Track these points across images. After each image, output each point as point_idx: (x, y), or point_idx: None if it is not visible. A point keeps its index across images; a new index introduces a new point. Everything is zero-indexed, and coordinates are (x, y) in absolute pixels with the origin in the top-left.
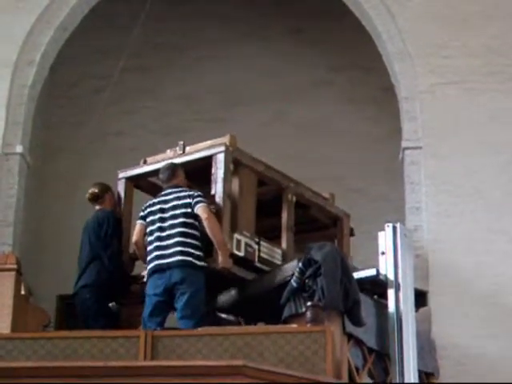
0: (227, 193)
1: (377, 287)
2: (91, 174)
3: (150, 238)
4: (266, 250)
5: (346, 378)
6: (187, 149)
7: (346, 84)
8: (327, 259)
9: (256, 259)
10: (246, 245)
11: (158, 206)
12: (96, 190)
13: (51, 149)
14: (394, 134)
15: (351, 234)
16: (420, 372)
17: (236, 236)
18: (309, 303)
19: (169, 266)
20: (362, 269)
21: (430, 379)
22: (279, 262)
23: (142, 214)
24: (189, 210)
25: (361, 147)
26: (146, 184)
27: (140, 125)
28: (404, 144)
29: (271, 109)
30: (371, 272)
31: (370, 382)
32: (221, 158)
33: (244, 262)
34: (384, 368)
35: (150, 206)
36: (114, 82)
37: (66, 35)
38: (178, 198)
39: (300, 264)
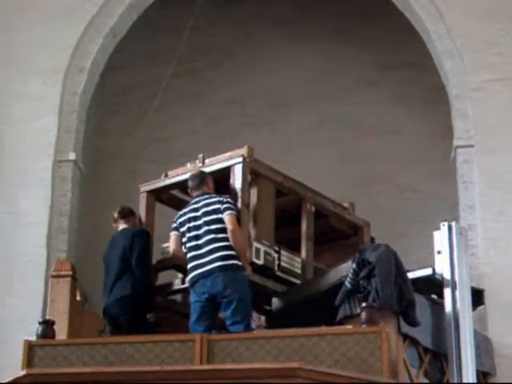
0: (245, 203)
1: (433, 286)
2: (143, 179)
3: (188, 246)
4: (286, 258)
5: (402, 379)
6: (206, 161)
7: (396, 83)
8: (381, 260)
9: (276, 267)
10: (266, 253)
11: (189, 215)
12: (124, 209)
13: (103, 155)
14: (446, 132)
15: (372, 242)
16: (477, 371)
17: (255, 244)
18: (363, 304)
19: (210, 273)
20: (418, 268)
21: (488, 379)
22: (299, 271)
23: (174, 225)
24: (220, 216)
25: (413, 146)
26: (167, 197)
27: (190, 130)
28: (456, 142)
29: (321, 109)
30: (427, 271)
31: (427, 382)
32: (238, 168)
33: (264, 271)
34: (440, 368)
35: (181, 216)
36: (165, 88)
37: (116, 42)
38: (208, 205)
39: (354, 265)
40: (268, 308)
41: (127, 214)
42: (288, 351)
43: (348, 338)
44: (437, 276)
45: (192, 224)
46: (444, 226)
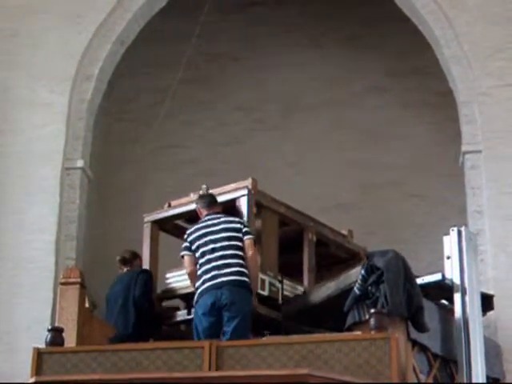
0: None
1: (443, 292)
2: (152, 186)
3: (201, 261)
4: (288, 288)
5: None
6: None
7: (404, 89)
8: (390, 266)
9: (280, 298)
10: (270, 284)
11: (205, 230)
12: (126, 255)
13: (112, 162)
14: (454, 138)
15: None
16: (487, 377)
17: (260, 276)
18: (372, 310)
19: (222, 285)
20: (427, 274)
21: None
22: None
23: (186, 244)
24: (240, 235)
25: (421, 152)
26: (171, 227)
27: (199, 136)
28: (464, 148)
29: (330, 116)
30: (437, 277)
31: None
32: (244, 201)
33: (268, 301)
34: (449, 374)
35: (195, 231)
36: (172, 95)
37: (123, 49)
38: (227, 222)
39: (362, 271)
40: (266, 332)
41: (129, 260)
42: (297, 357)
43: (357, 345)
44: (447, 281)
45: (209, 238)
46: (453, 231)
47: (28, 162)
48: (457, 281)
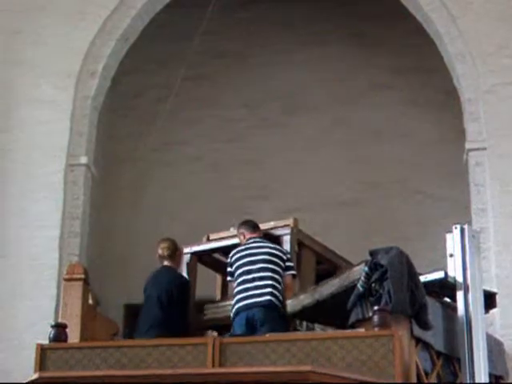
0: None
1: (445, 289)
2: (155, 183)
3: (238, 280)
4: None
5: (415, 382)
6: None
7: (409, 87)
8: (393, 263)
9: None
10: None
11: (247, 252)
12: (171, 251)
13: (115, 159)
14: (459, 135)
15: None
16: (490, 375)
17: None
18: (376, 307)
19: (253, 306)
20: (430, 271)
21: (500, 382)
22: None
23: (230, 269)
24: (281, 263)
25: (425, 150)
26: (209, 259)
27: (203, 133)
28: (468, 145)
29: (334, 113)
30: (439, 274)
31: None
32: (287, 239)
33: None
34: (453, 371)
35: (237, 253)
36: (176, 92)
37: (128, 46)
38: (272, 248)
39: (366, 268)
40: None
41: (174, 252)
42: (300, 354)
43: (360, 342)
44: (449, 279)
45: (248, 259)
46: (456, 229)
47: (32, 158)
48: (459, 279)
